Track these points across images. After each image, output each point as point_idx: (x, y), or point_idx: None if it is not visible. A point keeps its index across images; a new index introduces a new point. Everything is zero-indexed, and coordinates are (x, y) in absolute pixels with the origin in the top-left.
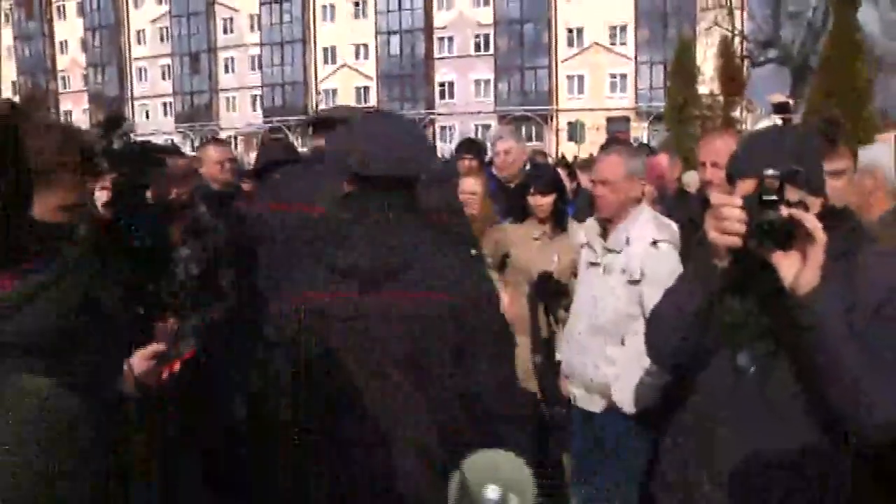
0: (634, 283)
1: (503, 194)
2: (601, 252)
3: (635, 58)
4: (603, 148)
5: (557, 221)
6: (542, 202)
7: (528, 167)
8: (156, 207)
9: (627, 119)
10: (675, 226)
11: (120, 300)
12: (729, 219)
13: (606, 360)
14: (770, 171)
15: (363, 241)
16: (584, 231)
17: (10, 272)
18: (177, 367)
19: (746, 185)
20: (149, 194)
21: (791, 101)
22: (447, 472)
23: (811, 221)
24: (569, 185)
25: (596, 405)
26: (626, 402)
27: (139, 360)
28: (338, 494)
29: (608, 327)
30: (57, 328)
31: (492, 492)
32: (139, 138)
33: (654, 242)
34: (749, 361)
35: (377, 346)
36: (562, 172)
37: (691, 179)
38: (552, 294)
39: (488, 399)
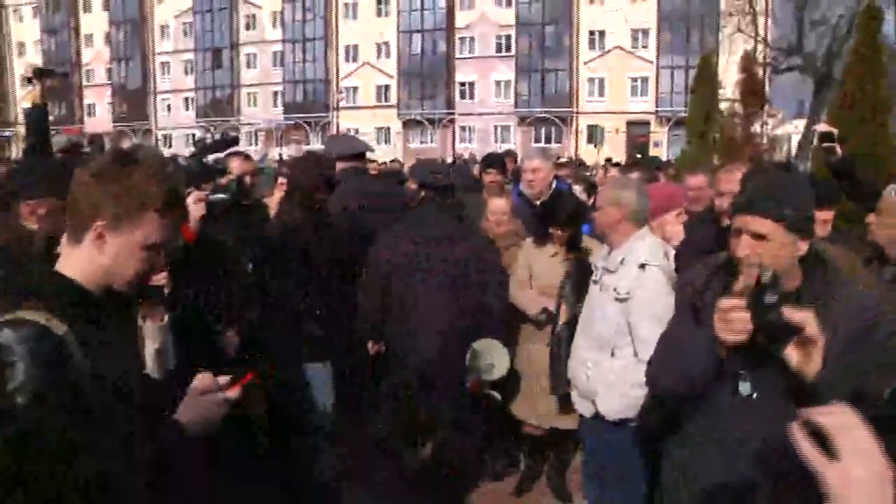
0: (622, 300)
1: (527, 210)
2: (601, 272)
3: (657, 62)
4: (622, 167)
5: (572, 245)
6: (560, 235)
7: (553, 186)
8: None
9: (648, 123)
10: (670, 251)
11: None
12: (736, 321)
13: (597, 370)
14: (768, 273)
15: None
16: (596, 252)
17: None
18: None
19: (748, 279)
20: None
21: (835, 132)
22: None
23: (810, 325)
24: (588, 200)
25: (586, 410)
26: (609, 410)
27: (199, 401)
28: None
29: (600, 340)
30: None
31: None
32: (160, 132)
33: (643, 265)
34: (750, 389)
35: (434, 278)
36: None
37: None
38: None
39: (494, 309)
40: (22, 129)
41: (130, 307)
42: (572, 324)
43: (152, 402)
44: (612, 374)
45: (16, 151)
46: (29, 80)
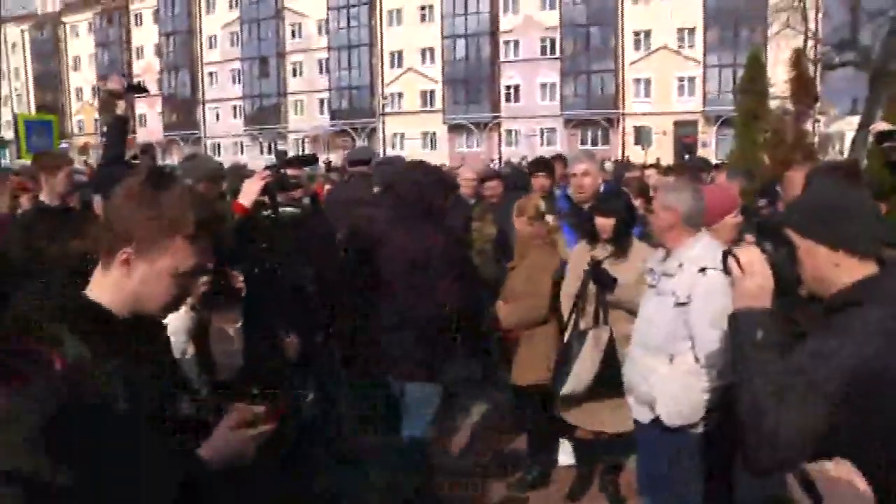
0: (682, 304)
1: (576, 215)
2: (659, 276)
3: (704, 61)
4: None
5: (620, 243)
6: (603, 223)
7: (601, 189)
8: None
9: (695, 123)
10: None
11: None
12: None
13: (655, 375)
14: None
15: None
16: (651, 257)
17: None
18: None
19: None
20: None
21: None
22: None
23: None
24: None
25: (643, 416)
26: (668, 415)
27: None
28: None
29: (658, 346)
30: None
31: None
32: (209, 141)
33: (703, 269)
34: None
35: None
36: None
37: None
38: (601, 281)
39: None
40: (77, 141)
41: (162, 330)
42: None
43: (193, 419)
44: (671, 379)
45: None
46: (116, 95)
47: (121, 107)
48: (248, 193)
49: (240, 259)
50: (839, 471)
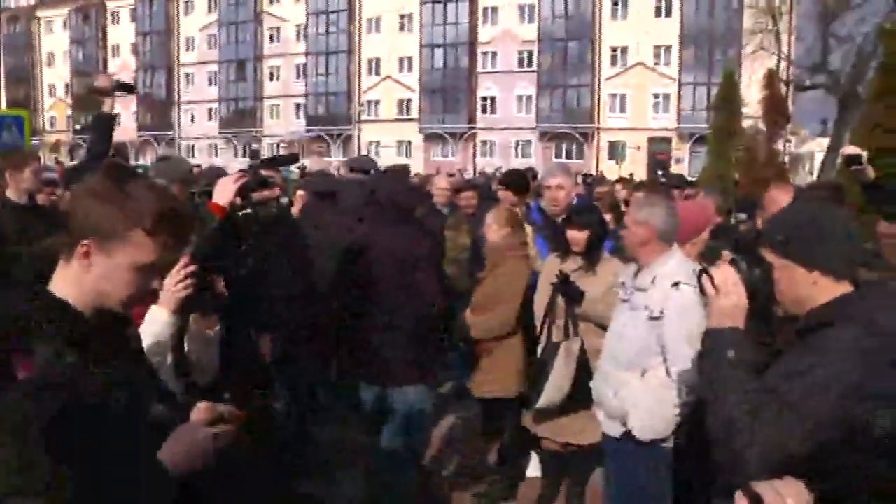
0: (655, 319)
1: (549, 228)
2: (631, 290)
3: (679, 78)
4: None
5: (591, 257)
6: (576, 236)
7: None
8: None
9: (669, 140)
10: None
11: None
12: None
13: (626, 389)
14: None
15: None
16: (622, 272)
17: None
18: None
19: None
20: None
21: (864, 153)
22: None
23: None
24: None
25: (613, 430)
26: (640, 429)
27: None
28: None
29: (630, 360)
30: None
31: None
32: (183, 142)
33: (676, 284)
34: None
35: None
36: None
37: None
38: (569, 294)
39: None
40: (48, 138)
41: (127, 326)
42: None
43: (166, 421)
44: (643, 394)
45: (43, 158)
46: (104, 92)
47: (108, 104)
48: (224, 193)
49: (222, 260)
50: (788, 490)
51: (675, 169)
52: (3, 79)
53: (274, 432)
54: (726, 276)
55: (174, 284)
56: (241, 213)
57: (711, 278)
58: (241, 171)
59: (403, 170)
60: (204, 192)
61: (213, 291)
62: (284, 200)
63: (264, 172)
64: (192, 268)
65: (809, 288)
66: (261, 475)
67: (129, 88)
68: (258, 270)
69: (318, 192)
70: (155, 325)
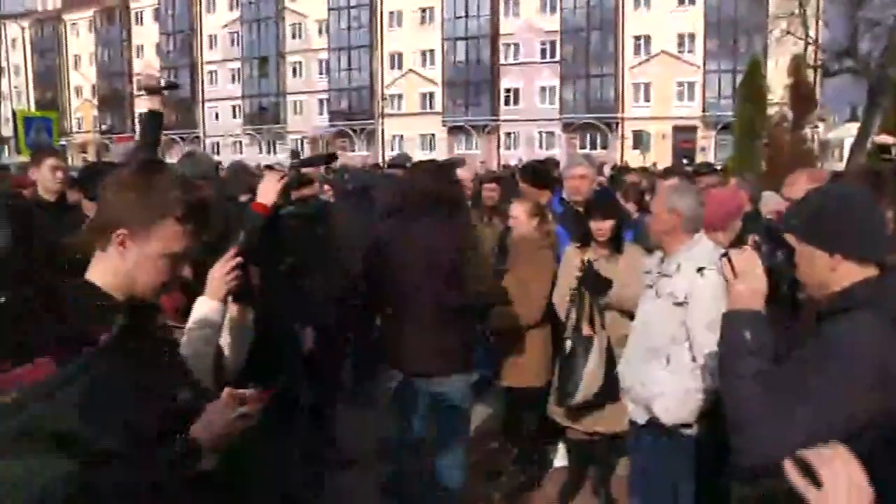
0: (680, 305)
1: (570, 216)
2: (656, 277)
3: (703, 66)
4: (663, 175)
5: (615, 245)
6: (601, 227)
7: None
8: None
9: (694, 128)
10: None
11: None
12: None
13: (652, 376)
14: None
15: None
16: (649, 258)
17: (54, 357)
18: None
19: None
20: None
21: (894, 142)
22: None
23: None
24: (634, 209)
25: (640, 417)
26: (665, 416)
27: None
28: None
29: (656, 347)
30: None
31: None
32: (208, 140)
33: (700, 269)
34: None
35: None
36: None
37: (770, 201)
38: (593, 285)
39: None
40: (76, 138)
41: (157, 314)
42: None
43: (193, 407)
44: (668, 380)
45: (71, 159)
46: (152, 90)
47: (155, 102)
48: (268, 193)
49: (265, 256)
50: (838, 455)
51: (700, 158)
52: (31, 81)
53: (298, 422)
54: (746, 259)
55: (223, 275)
56: (282, 211)
57: (731, 261)
58: (267, 166)
59: (450, 164)
60: (239, 190)
61: (249, 283)
62: (323, 197)
63: (304, 171)
64: (239, 259)
65: (829, 272)
66: (284, 465)
67: (175, 87)
68: (298, 266)
69: (353, 187)
70: (206, 314)
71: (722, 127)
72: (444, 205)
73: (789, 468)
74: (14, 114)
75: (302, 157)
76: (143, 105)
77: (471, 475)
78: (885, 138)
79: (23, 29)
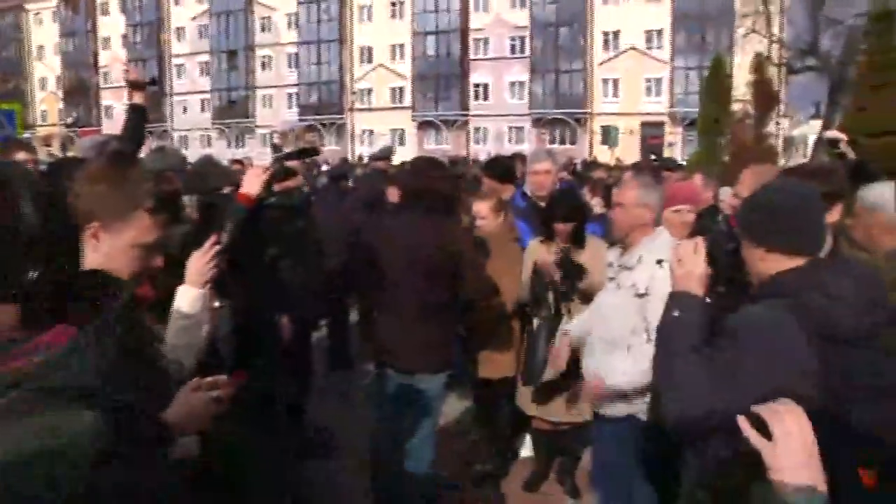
0: (641, 296)
1: (533, 211)
2: (617, 269)
3: (671, 62)
4: (631, 168)
5: (576, 240)
6: (563, 229)
7: (557, 187)
8: None
9: (662, 124)
10: None
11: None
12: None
13: (613, 367)
14: None
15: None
16: (610, 252)
17: (68, 325)
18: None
19: None
20: None
21: (844, 137)
22: None
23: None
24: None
25: (602, 408)
26: (625, 405)
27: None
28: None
29: (615, 338)
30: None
31: None
32: (176, 134)
33: (660, 261)
34: None
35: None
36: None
37: (726, 196)
38: (570, 271)
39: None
40: (40, 131)
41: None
42: (550, 319)
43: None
44: (630, 370)
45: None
46: (137, 85)
47: (139, 97)
48: (253, 184)
49: (247, 247)
50: (789, 411)
51: (667, 153)
52: None
53: (274, 414)
54: (687, 247)
55: (203, 264)
56: (265, 203)
57: (678, 251)
58: (234, 160)
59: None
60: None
61: (227, 272)
62: (305, 190)
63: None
64: (218, 247)
65: (758, 263)
66: (262, 458)
67: (155, 83)
68: (280, 257)
69: (334, 178)
70: (188, 302)
71: (689, 123)
72: (433, 200)
73: (743, 423)
74: None
75: (285, 151)
76: (109, 97)
77: (440, 466)
78: (835, 133)
79: None
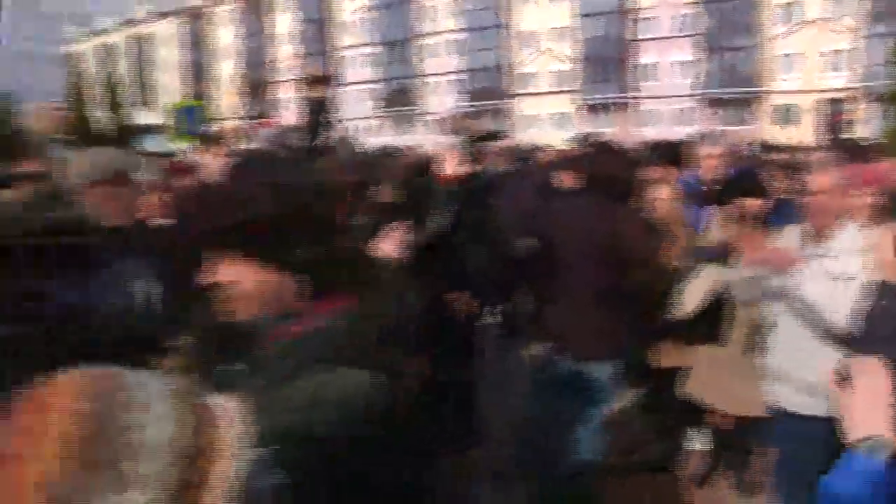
0: (839, 283)
1: (700, 194)
2: (811, 257)
3: (856, 33)
4: (821, 149)
5: (764, 223)
6: (751, 205)
7: (731, 170)
8: None
9: (846, 100)
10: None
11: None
12: None
13: (825, 361)
14: None
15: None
16: (800, 237)
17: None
18: None
19: None
20: None
21: None
22: None
23: None
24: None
25: (796, 405)
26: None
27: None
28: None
29: (830, 328)
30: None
31: None
32: (346, 123)
33: (859, 248)
34: None
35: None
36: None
37: None
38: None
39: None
40: (224, 125)
41: None
42: None
43: None
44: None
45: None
46: (320, 79)
47: (321, 91)
48: (455, 168)
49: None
50: (873, 364)
51: (853, 132)
52: (180, 74)
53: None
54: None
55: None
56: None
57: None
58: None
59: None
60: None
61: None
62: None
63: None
64: (406, 227)
65: None
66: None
67: (326, 80)
68: (468, 239)
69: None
70: None
71: (875, 98)
72: (612, 186)
73: (830, 375)
74: (165, 105)
75: (478, 135)
76: (283, 91)
77: (607, 455)
78: None
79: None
